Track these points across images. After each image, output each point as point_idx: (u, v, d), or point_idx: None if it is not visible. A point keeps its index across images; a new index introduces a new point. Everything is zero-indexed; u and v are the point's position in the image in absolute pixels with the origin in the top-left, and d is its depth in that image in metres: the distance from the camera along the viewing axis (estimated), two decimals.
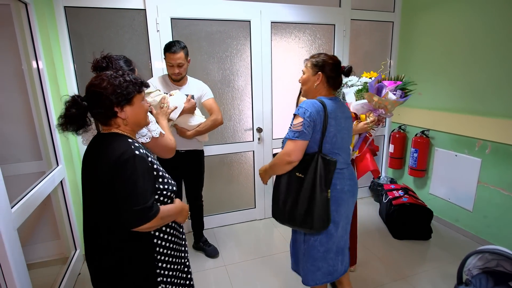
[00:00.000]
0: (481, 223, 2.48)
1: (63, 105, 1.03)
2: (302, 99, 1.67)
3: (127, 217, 0.97)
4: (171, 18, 2.33)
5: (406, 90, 1.74)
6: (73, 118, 1.01)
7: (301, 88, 1.57)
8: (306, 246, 1.54)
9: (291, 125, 1.42)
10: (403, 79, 1.76)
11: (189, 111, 1.97)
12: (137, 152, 1.00)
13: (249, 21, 2.54)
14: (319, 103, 1.40)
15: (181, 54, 1.95)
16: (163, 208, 1.06)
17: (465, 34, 2.47)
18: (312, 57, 1.50)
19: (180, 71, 2.00)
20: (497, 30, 2.24)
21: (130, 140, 1.04)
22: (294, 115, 1.42)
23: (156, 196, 1.06)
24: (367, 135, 1.87)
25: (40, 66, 1.91)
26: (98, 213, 1.05)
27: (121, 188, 0.97)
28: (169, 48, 1.95)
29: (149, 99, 1.80)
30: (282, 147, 1.49)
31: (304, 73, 1.51)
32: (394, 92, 1.70)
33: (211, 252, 2.39)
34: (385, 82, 1.69)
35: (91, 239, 1.10)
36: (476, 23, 2.38)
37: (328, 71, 1.45)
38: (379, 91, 1.67)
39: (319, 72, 1.45)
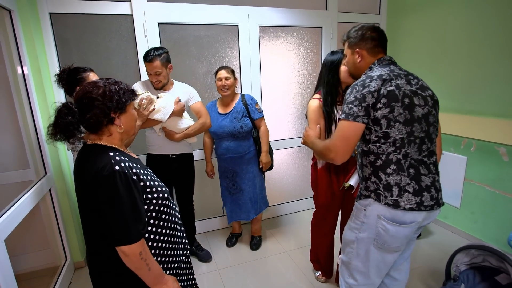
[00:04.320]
0: (469, 219, 2.54)
1: (54, 113, 0.99)
2: (312, 103, 1.74)
3: (111, 234, 0.96)
4: (158, 23, 2.33)
5: None
6: (67, 126, 0.98)
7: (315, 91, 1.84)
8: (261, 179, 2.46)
9: (255, 110, 2.26)
10: None
11: (178, 113, 1.97)
12: (117, 167, 0.96)
13: (237, 25, 2.56)
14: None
15: (156, 63, 1.90)
16: (152, 258, 1.03)
17: (449, 35, 2.53)
18: (225, 67, 2.20)
19: (158, 79, 1.96)
20: (480, 31, 2.30)
21: (111, 153, 1.00)
22: (255, 103, 2.28)
23: (146, 206, 1.05)
24: None
25: (26, 73, 1.89)
26: (89, 223, 1.05)
27: (102, 207, 0.95)
28: (144, 57, 1.92)
29: (137, 100, 1.80)
30: (241, 130, 2.21)
31: (228, 78, 2.17)
32: None
33: (204, 256, 2.39)
34: None
35: (88, 246, 1.10)
36: (460, 25, 2.44)
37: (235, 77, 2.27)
38: None
39: (235, 78, 2.25)
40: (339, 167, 1.79)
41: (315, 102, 1.73)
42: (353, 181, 1.66)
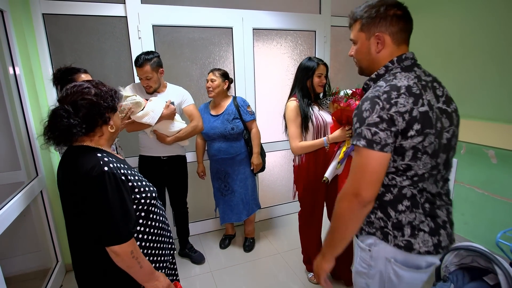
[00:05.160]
0: (459, 220, 2.57)
1: (51, 116, 0.97)
2: (290, 103, 1.87)
3: (100, 234, 0.97)
4: (152, 25, 2.33)
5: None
6: (70, 128, 0.96)
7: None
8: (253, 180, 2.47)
9: (247, 112, 2.27)
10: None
11: (168, 117, 1.96)
12: (106, 168, 0.96)
13: (231, 28, 2.57)
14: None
15: (147, 68, 1.90)
16: (142, 256, 1.03)
17: (441, 40, 2.58)
18: (216, 69, 2.22)
19: (149, 84, 1.96)
20: (473, 35, 2.35)
21: (99, 154, 1.00)
22: (247, 106, 2.30)
23: (134, 206, 1.06)
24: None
25: (18, 74, 1.88)
26: (75, 226, 1.05)
27: (92, 208, 0.95)
28: (135, 62, 1.93)
29: (124, 102, 1.79)
30: (234, 129, 2.23)
31: (214, 81, 2.18)
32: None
33: (197, 258, 2.39)
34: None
35: (73, 249, 1.09)
36: (452, 29, 2.49)
37: (229, 80, 2.28)
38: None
39: (226, 80, 2.24)
40: (318, 162, 1.85)
41: (293, 103, 1.85)
42: (328, 173, 1.74)
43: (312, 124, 1.82)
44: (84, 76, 1.64)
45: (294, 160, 1.97)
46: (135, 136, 2.21)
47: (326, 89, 1.94)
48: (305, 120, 1.81)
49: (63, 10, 2.11)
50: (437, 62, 2.62)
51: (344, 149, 1.75)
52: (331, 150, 1.81)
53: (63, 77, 1.60)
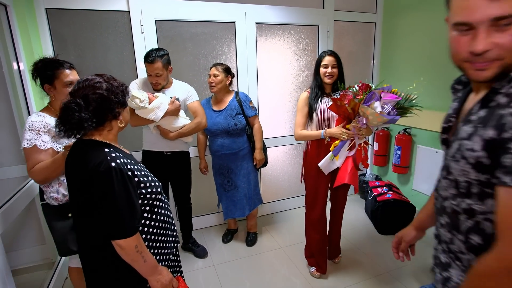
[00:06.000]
0: None
1: (64, 109, 0.99)
2: (302, 94, 2.00)
3: (108, 228, 0.99)
4: (155, 20, 2.33)
5: (402, 111, 1.68)
6: (81, 122, 0.98)
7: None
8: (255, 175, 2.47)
9: (249, 108, 2.30)
10: (409, 99, 1.69)
11: (173, 113, 1.98)
12: (113, 164, 0.97)
13: (234, 22, 2.56)
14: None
15: (158, 64, 1.89)
16: (147, 250, 1.05)
17: (443, 35, 2.55)
18: (218, 64, 2.21)
19: (158, 81, 1.96)
20: None
21: (107, 149, 1.01)
22: (249, 101, 2.32)
23: (140, 201, 1.07)
24: (358, 146, 1.81)
25: (22, 69, 1.89)
26: (81, 219, 1.06)
27: (99, 203, 0.97)
28: (146, 58, 1.91)
29: (133, 101, 1.80)
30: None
31: (217, 76, 2.18)
32: (385, 106, 1.64)
33: (200, 252, 2.41)
34: (383, 94, 1.64)
35: (79, 242, 1.11)
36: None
37: (232, 75, 2.27)
38: (369, 99, 1.63)
39: (229, 75, 2.24)
40: (321, 150, 1.94)
41: (304, 94, 1.98)
42: (321, 163, 1.88)
43: (316, 116, 1.91)
44: (69, 72, 1.47)
45: (304, 147, 2.09)
46: (139, 130, 2.22)
47: (338, 83, 1.90)
48: (310, 111, 1.93)
49: (66, 5, 2.11)
50: (442, 58, 2.60)
51: (337, 142, 1.83)
52: (333, 141, 1.88)
53: (43, 70, 1.44)
